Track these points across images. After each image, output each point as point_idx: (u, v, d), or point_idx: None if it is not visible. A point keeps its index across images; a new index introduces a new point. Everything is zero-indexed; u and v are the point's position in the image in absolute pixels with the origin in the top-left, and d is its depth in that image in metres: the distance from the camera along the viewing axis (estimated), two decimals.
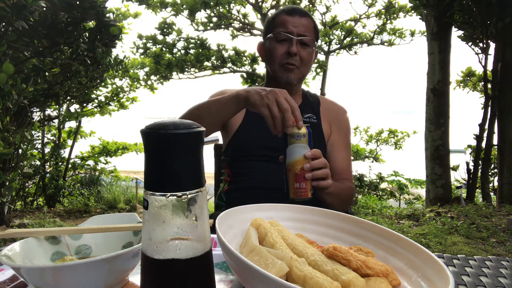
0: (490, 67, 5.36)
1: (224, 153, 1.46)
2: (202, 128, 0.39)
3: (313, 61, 1.40)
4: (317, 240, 0.72)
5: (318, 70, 9.23)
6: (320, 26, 9.37)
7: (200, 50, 8.89)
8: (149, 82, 9.01)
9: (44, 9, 2.84)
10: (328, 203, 1.25)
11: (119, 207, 5.71)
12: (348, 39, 9.53)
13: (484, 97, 5.46)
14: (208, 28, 8.99)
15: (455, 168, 6.24)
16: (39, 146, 5.60)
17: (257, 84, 1.65)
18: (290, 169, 0.96)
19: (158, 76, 9.08)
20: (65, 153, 6.13)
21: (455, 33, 5.66)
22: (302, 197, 0.96)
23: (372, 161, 8.79)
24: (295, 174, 0.96)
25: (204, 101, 1.19)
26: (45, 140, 5.82)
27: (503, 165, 5.09)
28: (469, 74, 6.97)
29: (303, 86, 1.58)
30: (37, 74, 3.15)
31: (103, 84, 5.66)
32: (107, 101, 6.52)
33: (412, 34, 9.20)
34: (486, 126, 5.34)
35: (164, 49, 8.96)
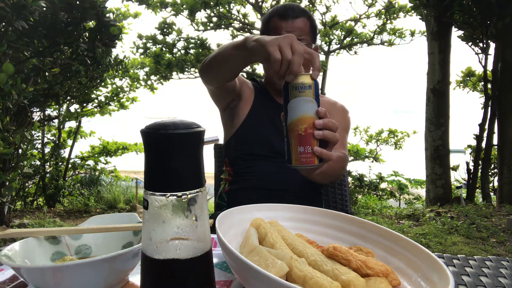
0: (490, 67, 5.36)
1: (225, 148, 1.44)
2: (202, 128, 0.39)
3: None
4: (317, 240, 0.72)
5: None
6: (320, 26, 9.37)
7: (200, 50, 8.88)
8: (149, 82, 9.00)
9: (44, 9, 2.84)
10: (318, 181, 1.17)
11: (119, 207, 5.71)
12: (348, 39, 9.53)
13: (484, 97, 5.46)
14: (208, 28, 8.98)
15: (455, 168, 6.24)
16: (39, 146, 5.60)
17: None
18: (292, 129, 0.77)
19: (158, 76, 9.07)
20: (65, 153, 6.13)
21: (455, 33, 5.67)
22: (307, 164, 0.77)
23: (372, 161, 8.78)
24: (299, 135, 0.76)
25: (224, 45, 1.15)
26: (45, 140, 5.82)
27: (503, 165, 5.09)
28: (469, 74, 6.97)
29: None
30: (37, 74, 3.15)
31: (103, 84, 5.66)
32: (107, 101, 6.53)
33: (412, 34, 9.19)
34: (486, 126, 5.34)
35: (164, 49, 8.95)
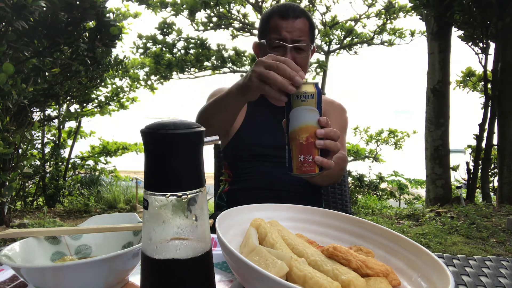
0: (490, 67, 5.36)
1: (224, 153, 1.44)
2: (202, 128, 0.39)
3: (311, 58, 1.37)
4: (317, 240, 0.72)
5: (318, 70, 9.23)
6: (320, 26, 9.37)
7: (200, 50, 8.89)
8: (149, 82, 9.01)
9: (44, 9, 2.84)
10: (318, 184, 1.20)
11: (119, 207, 5.71)
12: (348, 39, 9.53)
13: (484, 97, 5.46)
14: (208, 28, 8.99)
15: (455, 168, 6.24)
16: (39, 146, 5.60)
17: None
18: (294, 138, 0.77)
19: (158, 76, 9.08)
20: (65, 153, 6.13)
21: (455, 33, 5.67)
22: (308, 173, 0.77)
23: (372, 161, 8.78)
24: (300, 144, 0.77)
25: (206, 104, 1.13)
26: (45, 140, 5.82)
27: (503, 165, 5.09)
28: (469, 74, 6.97)
29: None
30: (37, 74, 3.15)
31: (103, 84, 5.66)
32: (107, 101, 6.52)
33: (412, 34, 9.20)
34: (486, 126, 5.34)
35: (164, 49, 8.96)
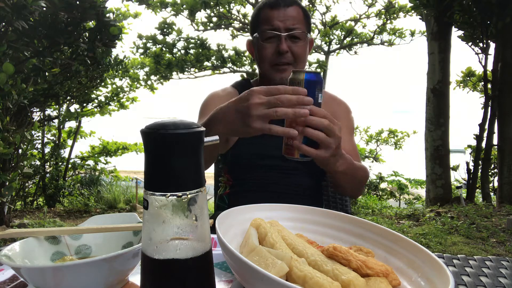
0: (490, 67, 5.36)
1: (222, 159, 1.41)
2: (202, 128, 0.39)
3: (309, 52, 1.28)
4: (317, 240, 0.72)
5: (318, 70, 9.24)
6: (320, 26, 9.37)
7: (200, 50, 8.90)
8: (149, 82, 9.01)
9: (44, 9, 2.84)
10: (341, 184, 1.12)
11: (119, 207, 5.71)
12: (348, 39, 9.54)
13: (484, 97, 5.47)
14: (208, 28, 8.99)
15: (455, 168, 6.24)
16: (39, 146, 5.60)
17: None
18: (285, 122, 0.83)
19: (158, 76, 9.09)
20: (65, 153, 6.14)
21: (455, 33, 5.67)
22: (290, 156, 0.84)
23: (372, 161, 8.79)
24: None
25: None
26: (45, 140, 5.82)
27: (503, 165, 5.09)
28: (469, 74, 6.97)
29: None
30: (37, 74, 3.15)
31: (103, 84, 5.66)
32: (107, 101, 6.53)
33: (412, 34, 9.21)
34: (486, 126, 5.34)
35: (164, 49, 8.96)
